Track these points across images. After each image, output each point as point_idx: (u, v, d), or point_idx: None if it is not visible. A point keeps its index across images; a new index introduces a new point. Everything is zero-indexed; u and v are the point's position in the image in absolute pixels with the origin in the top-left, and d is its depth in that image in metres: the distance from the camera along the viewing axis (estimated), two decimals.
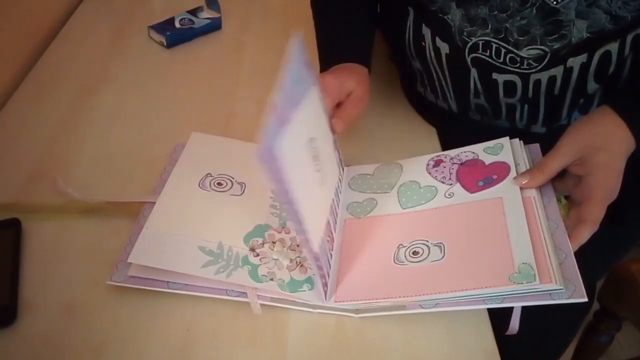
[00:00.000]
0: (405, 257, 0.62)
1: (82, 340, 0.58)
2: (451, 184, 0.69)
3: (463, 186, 0.68)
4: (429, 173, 0.72)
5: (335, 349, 0.58)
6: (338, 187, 0.72)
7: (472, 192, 0.67)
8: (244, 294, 0.61)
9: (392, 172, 0.75)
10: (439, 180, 0.71)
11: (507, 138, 0.72)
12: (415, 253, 0.62)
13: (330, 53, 0.80)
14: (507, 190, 0.66)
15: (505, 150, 0.71)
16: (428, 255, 0.62)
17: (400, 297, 0.58)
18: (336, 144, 0.73)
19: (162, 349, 0.58)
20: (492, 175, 0.68)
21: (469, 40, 0.71)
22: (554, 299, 0.55)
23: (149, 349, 0.58)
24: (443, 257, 0.61)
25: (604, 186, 0.61)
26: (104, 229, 0.69)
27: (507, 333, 0.59)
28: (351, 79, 0.73)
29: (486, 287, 0.56)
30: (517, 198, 0.64)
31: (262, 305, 0.60)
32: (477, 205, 0.66)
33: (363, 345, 0.59)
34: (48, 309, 0.61)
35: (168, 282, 0.61)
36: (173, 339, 0.59)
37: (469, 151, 0.73)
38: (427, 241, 0.63)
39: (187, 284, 0.61)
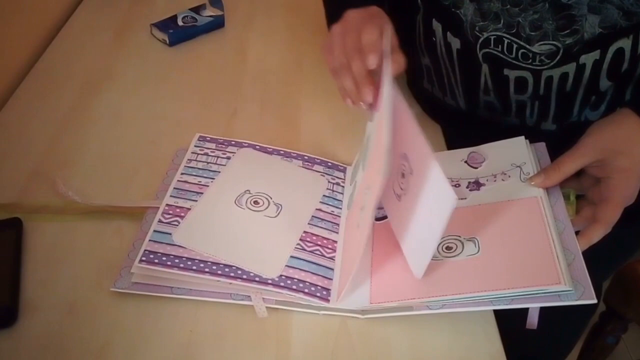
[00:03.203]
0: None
1: (84, 341, 0.58)
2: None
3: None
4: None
5: (340, 351, 0.58)
6: (328, 194, 0.72)
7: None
8: (249, 297, 0.60)
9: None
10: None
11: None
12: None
13: (337, 6, 0.70)
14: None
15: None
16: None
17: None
18: (313, 160, 0.76)
19: (165, 350, 0.57)
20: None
21: (480, 35, 0.70)
22: (562, 301, 0.54)
23: (151, 351, 0.57)
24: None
25: (624, 190, 0.60)
26: (106, 230, 0.68)
27: (527, 327, 0.58)
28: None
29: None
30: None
31: (265, 307, 0.60)
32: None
33: (368, 347, 0.58)
34: (49, 310, 0.60)
35: (172, 287, 0.61)
36: (176, 340, 0.58)
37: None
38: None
39: (191, 289, 0.61)
